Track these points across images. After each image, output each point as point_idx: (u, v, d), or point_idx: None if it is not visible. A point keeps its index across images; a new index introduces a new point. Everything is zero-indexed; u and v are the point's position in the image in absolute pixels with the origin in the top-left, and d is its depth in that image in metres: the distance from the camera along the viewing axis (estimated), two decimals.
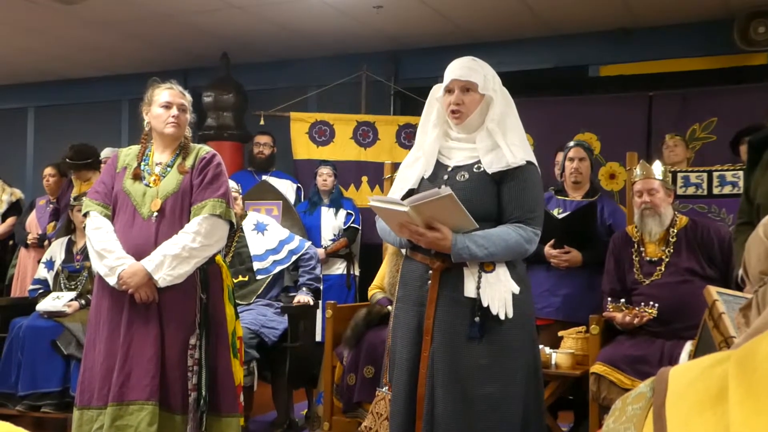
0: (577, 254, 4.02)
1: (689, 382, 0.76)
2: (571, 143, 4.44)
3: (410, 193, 2.66)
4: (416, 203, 2.43)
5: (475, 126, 2.63)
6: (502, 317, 2.48)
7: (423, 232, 2.48)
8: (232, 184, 3.86)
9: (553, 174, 4.93)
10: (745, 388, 0.69)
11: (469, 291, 2.51)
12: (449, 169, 2.64)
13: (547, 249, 4.03)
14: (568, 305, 4.03)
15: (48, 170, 6.14)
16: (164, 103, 3.14)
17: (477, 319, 2.48)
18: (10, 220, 6.31)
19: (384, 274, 4.37)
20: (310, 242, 4.95)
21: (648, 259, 3.71)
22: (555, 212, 4.16)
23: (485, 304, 2.48)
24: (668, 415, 0.74)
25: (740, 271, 2.72)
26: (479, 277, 2.51)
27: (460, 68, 2.64)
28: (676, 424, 0.73)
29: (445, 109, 2.65)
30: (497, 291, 2.50)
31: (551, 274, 4.08)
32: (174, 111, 3.13)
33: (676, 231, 3.70)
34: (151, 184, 3.11)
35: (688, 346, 3.30)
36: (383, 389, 2.84)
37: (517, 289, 2.53)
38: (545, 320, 4.11)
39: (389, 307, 3.92)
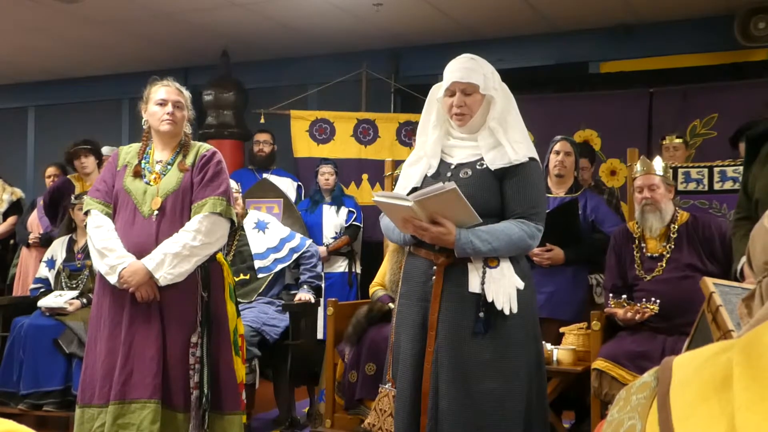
0: (560, 252, 4.01)
1: (694, 370, 0.76)
2: (558, 137, 4.38)
3: (414, 191, 2.67)
4: (421, 198, 2.44)
5: (477, 126, 2.64)
6: (507, 312, 2.49)
7: (427, 227, 2.49)
8: (231, 183, 3.85)
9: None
10: (750, 375, 0.69)
11: (474, 286, 2.51)
12: (452, 166, 2.65)
13: None
14: (552, 302, 4.02)
15: (51, 170, 6.14)
16: (159, 101, 3.13)
17: (482, 314, 2.49)
18: (11, 220, 6.30)
19: (385, 272, 4.37)
20: (311, 240, 4.95)
21: (649, 255, 3.72)
22: None
23: (490, 300, 2.49)
24: (673, 403, 0.74)
25: (739, 266, 2.73)
26: (483, 273, 2.51)
27: (459, 69, 2.62)
28: (680, 411, 0.73)
29: (447, 111, 2.65)
30: (502, 286, 2.50)
31: (535, 272, 4.04)
32: (169, 108, 3.11)
33: (676, 227, 3.71)
34: (151, 182, 3.10)
35: None
36: (386, 386, 2.84)
37: (521, 285, 2.54)
38: None
39: (390, 305, 3.92)
